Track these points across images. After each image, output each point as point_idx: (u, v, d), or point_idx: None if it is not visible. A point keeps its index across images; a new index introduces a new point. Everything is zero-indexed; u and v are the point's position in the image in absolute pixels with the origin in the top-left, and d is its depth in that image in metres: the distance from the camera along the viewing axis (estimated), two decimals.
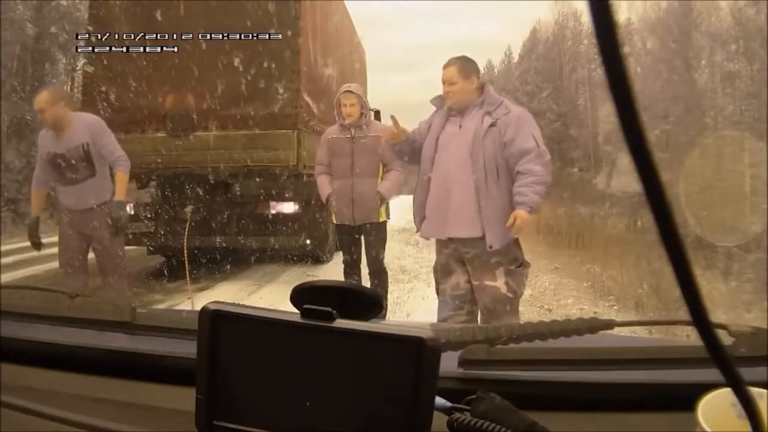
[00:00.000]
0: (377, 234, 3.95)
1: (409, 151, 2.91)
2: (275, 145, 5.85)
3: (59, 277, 3.78)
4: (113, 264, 3.64)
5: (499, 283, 2.65)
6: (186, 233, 5.28)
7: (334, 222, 4.08)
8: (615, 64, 0.29)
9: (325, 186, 3.91)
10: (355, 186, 3.82)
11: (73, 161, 3.44)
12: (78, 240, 3.59)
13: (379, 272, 3.99)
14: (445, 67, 2.80)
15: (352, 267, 4.06)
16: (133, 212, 6.44)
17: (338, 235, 4.13)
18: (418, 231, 2.91)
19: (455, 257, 2.76)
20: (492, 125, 2.66)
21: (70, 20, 14.08)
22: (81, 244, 3.62)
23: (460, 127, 2.74)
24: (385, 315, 3.83)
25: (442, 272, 2.80)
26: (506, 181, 2.65)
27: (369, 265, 3.99)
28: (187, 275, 4.41)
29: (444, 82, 2.78)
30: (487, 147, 2.64)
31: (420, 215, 2.84)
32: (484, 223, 2.64)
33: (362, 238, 3.96)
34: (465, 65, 2.80)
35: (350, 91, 3.86)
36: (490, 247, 2.62)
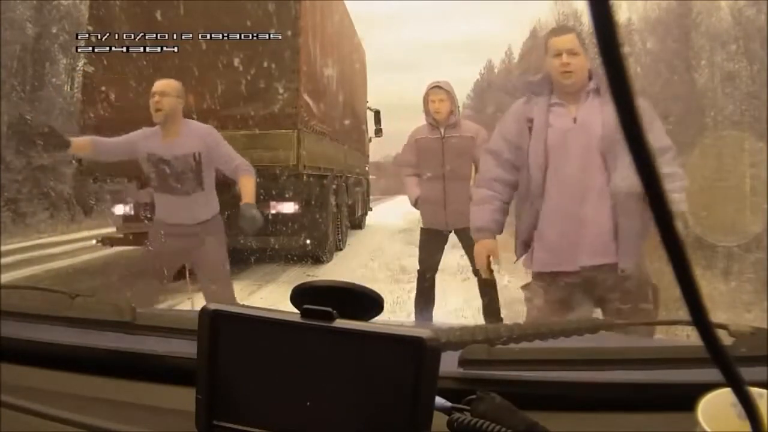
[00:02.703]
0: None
1: (516, 176, 2.20)
2: (275, 145, 5.85)
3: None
4: (216, 279, 3.21)
5: (652, 304, 2.16)
6: None
7: (421, 226, 3.80)
8: (615, 64, 0.29)
9: (412, 188, 3.71)
10: (448, 189, 3.57)
11: (180, 171, 3.07)
12: (167, 258, 3.18)
13: (490, 283, 3.68)
14: (559, 33, 2.16)
15: (429, 272, 3.82)
16: (133, 212, 6.46)
17: (422, 238, 3.85)
18: (518, 259, 2.23)
19: (581, 290, 2.14)
20: None
21: (70, 20, 14.08)
22: (169, 263, 3.22)
23: (575, 120, 2.11)
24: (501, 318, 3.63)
25: (549, 312, 2.14)
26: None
27: (477, 272, 3.83)
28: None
29: (560, 53, 2.09)
30: (624, 147, 2.20)
31: (525, 239, 2.17)
32: (620, 244, 2.06)
33: (463, 246, 3.74)
34: (581, 34, 2.18)
35: (439, 87, 3.62)
36: (623, 271, 2.08)
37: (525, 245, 2.17)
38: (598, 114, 2.08)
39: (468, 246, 3.67)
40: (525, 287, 2.25)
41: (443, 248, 3.81)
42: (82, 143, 3.17)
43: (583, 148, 2.07)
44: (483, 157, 2.38)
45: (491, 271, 2.26)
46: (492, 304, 3.73)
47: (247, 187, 3.15)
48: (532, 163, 2.12)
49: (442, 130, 3.61)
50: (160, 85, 3.11)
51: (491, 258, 2.21)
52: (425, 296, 3.86)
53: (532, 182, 2.12)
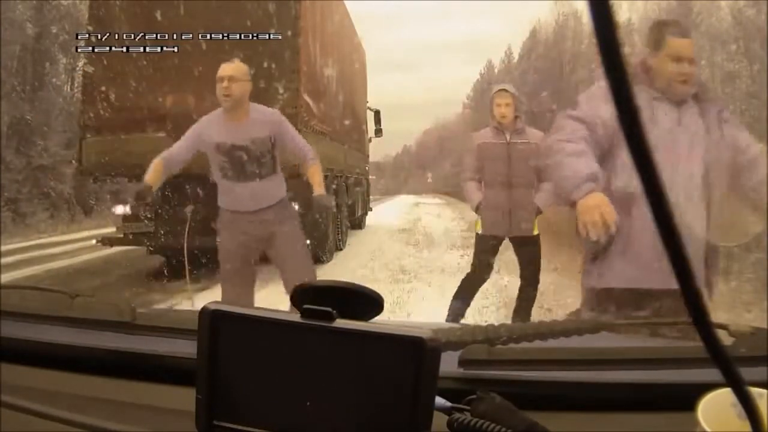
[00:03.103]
0: (533, 248, 3.64)
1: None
2: None
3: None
4: (301, 269, 3.07)
5: None
6: (186, 233, 5.27)
7: (479, 232, 3.68)
8: (615, 64, 0.29)
9: (474, 193, 3.60)
10: (513, 196, 3.49)
11: (259, 154, 2.97)
12: (249, 248, 3.06)
13: (533, 288, 3.69)
14: (683, 34, 1.93)
15: (479, 280, 3.72)
16: (133, 212, 6.46)
17: (479, 244, 3.72)
18: (587, 274, 1.92)
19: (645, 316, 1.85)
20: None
21: (70, 20, 14.10)
22: (252, 253, 3.09)
23: (680, 123, 1.89)
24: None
25: None
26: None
27: (525, 278, 3.72)
28: (187, 275, 4.41)
29: (681, 59, 1.87)
30: (724, 162, 1.87)
31: (601, 247, 1.84)
32: (709, 273, 1.83)
33: (517, 251, 3.70)
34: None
35: (505, 90, 3.57)
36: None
37: (596, 256, 1.85)
38: (700, 120, 1.89)
39: (526, 256, 3.64)
40: (576, 315, 1.95)
41: (497, 252, 3.73)
42: (156, 172, 2.99)
43: (687, 153, 1.85)
44: (565, 122, 1.95)
45: (608, 228, 1.72)
46: (528, 305, 3.69)
47: (317, 177, 3.12)
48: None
49: (508, 136, 3.52)
50: (227, 69, 2.97)
51: (607, 214, 1.72)
52: (466, 299, 3.75)
53: (624, 179, 1.81)
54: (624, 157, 1.82)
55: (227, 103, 2.96)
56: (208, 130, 3.02)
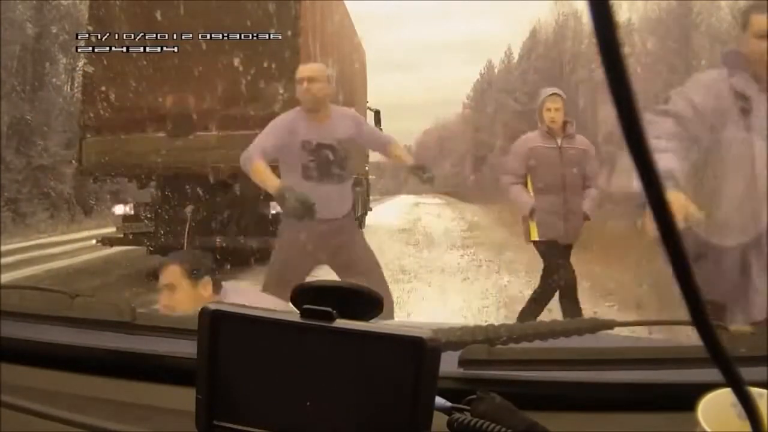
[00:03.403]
0: (569, 255, 3.54)
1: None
2: None
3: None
4: (376, 279, 2.92)
5: None
6: (186, 233, 5.28)
7: (536, 238, 3.52)
8: (615, 64, 0.29)
9: (525, 197, 3.49)
10: (568, 202, 3.44)
11: (344, 156, 2.88)
12: (308, 257, 2.89)
13: (552, 293, 3.56)
14: (763, 11, 1.78)
15: (547, 295, 3.55)
16: (133, 212, 6.46)
17: (544, 253, 3.57)
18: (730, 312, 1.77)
19: None
20: None
21: (70, 20, 14.10)
22: (310, 262, 2.96)
23: (748, 128, 1.74)
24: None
25: None
26: None
27: (547, 282, 3.58)
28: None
29: (762, 36, 1.75)
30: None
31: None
32: None
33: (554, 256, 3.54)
34: None
35: (557, 95, 3.50)
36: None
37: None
38: None
39: (559, 258, 3.52)
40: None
41: (568, 254, 3.59)
42: (269, 172, 2.83)
43: (755, 166, 1.70)
44: (655, 117, 1.80)
45: (687, 219, 1.61)
46: (540, 307, 3.58)
47: (402, 152, 3.09)
48: (760, 159, 1.65)
49: (559, 141, 3.46)
50: (306, 70, 2.91)
51: (680, 207, 1.60)
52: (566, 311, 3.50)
53: (730, 183, 1.67)
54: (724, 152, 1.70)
55: (309, 103, 2.86)
56: (297, 125, 2.88)
